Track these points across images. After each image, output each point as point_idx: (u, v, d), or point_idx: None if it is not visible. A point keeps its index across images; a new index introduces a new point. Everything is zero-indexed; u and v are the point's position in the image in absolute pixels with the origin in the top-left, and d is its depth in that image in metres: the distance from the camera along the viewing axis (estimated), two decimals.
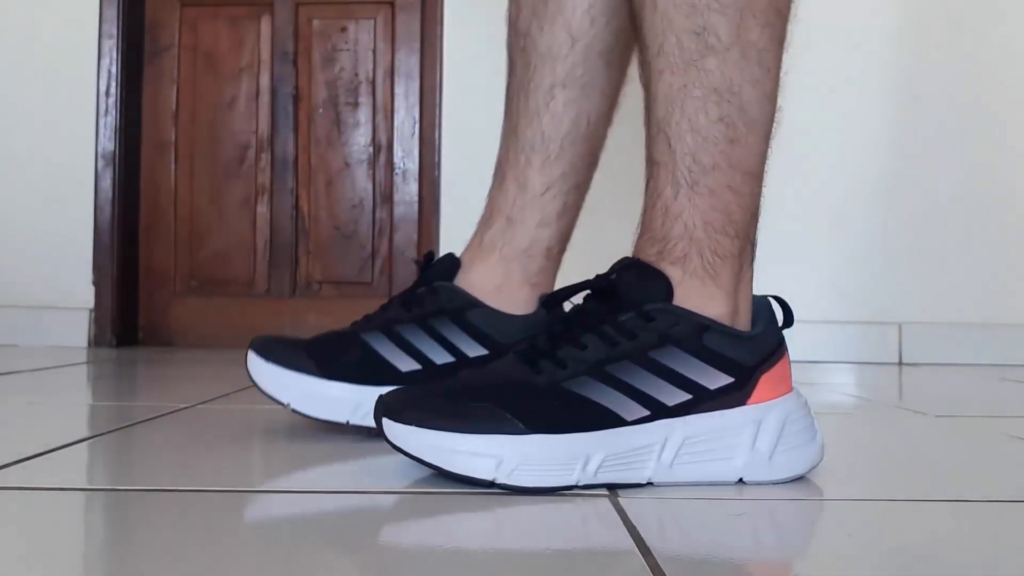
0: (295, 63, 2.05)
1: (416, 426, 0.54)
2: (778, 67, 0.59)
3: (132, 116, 2.00)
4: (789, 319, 0.61)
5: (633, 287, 0.57)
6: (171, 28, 2.05)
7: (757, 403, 0.58)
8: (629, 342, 0.56)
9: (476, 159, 1.92)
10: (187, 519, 0.48)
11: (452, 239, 1.92)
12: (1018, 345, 1.85)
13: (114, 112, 1.94)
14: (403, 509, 0.53)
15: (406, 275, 2.00)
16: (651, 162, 0.60)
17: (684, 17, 0.57)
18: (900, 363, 1.84)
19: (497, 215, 0.74)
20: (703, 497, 0.54)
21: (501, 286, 0.72)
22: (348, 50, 2.05)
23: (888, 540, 0.47)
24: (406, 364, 0.70)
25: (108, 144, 1.94)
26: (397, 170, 2.04)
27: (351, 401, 0.69)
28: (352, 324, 0.74)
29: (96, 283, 1.91)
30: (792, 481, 0.58)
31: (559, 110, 0.72)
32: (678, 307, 0.57)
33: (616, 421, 0.55)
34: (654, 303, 0.57)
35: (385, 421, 0.55)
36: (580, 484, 0.54)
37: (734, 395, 0.57)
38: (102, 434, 0.75)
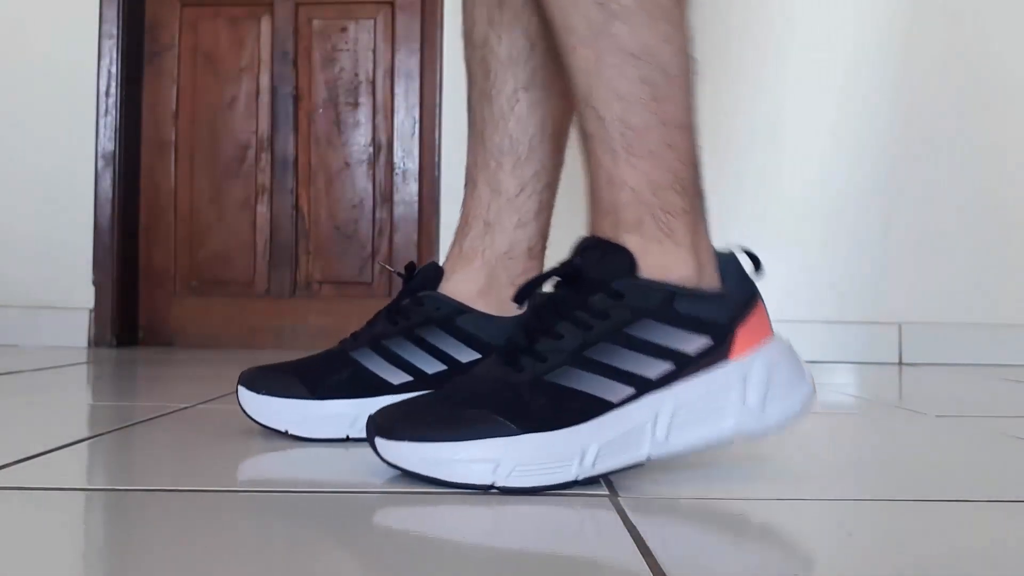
0: (295, 63, 2.05)
1: (409, 440, 0.54)
2: (684, 22, 0.59)
3: (132, 116, 2.01)
4: (757, 266, 0.60)
5: (597, 267, 0.57)
6: (171, 28, 2.05)
7: (740, 357, 0.58)
8: (603, 323, 0.56)
9: None
10: (187, 519, 0.48)
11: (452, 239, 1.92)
12: (1018, 345, 1.85)
13: (114, 112, 1.94)
14: (403, 509, 0.53)
15: None
16: (585, 136, 0.60)
17: None
18: (900, 363, 1.84)
19: (474, 221, 0.74)
20: (703, 497, 0.54)
21: (486, 290, 0.72)
22: (348, 50, 2.05)
23: (888, 540, 0.47)
24: (398, 377, 0.69)
25: (108, 144, 1.94)
26: (397, 170, 2.04)
27: (348, 416, 0.69)
28: (340, 343, 0.73)
29: (96, 283, 1.91)
30: (787, 421, 0.58)
31: (524, 113, 0.72)
32: (644, 279, 0.57)
33: (604, 406, 0.55)
34: (620, 279, 0.56)
35: (378, 440, 0.55)
36: (580, 478, 0.54)
37: (715, 354, 0.57)
38: (102, 434, 0.75)
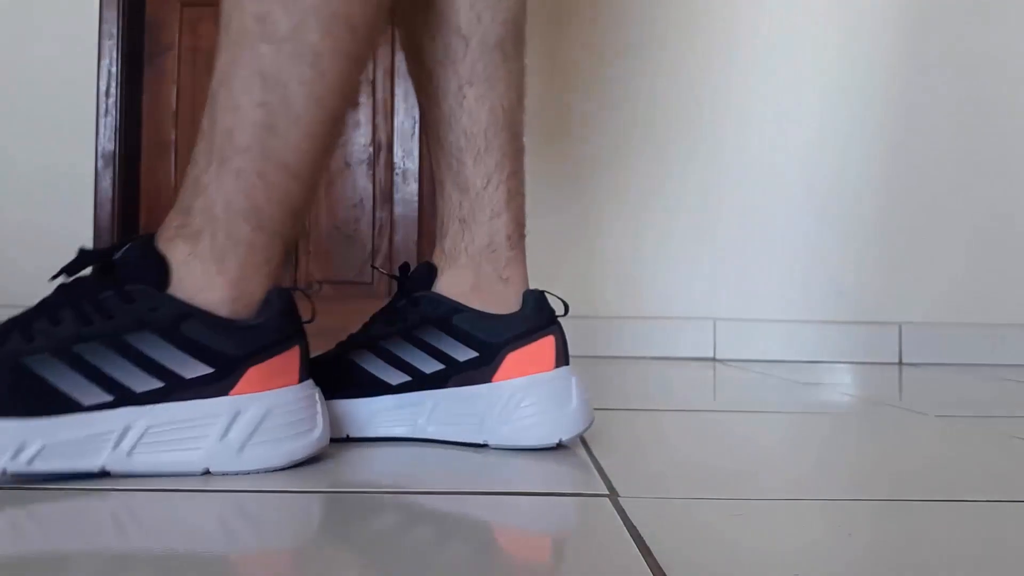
0: None
1: None
2: (340, 79, 0.60)
3: (132, 116, 2.01)
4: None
5: (129, 264, 0.56)
6: (171, 28, 2.05)
7: (240, 394, 0.57)
8: (104, 322, 0.55)
9: None
10: (187, 519, 0.48)
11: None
12: (1018, 345, 1.86)
13: (114, 112, 1.94)
14: (399, 510, 0.53)
15: None
16: (200, 135, 0.60)
17: (253, 1, 0.58)
18: (900, 363, 1.84)
19: (449, 222, 0.75)
20: (703, 497, 0.54)
21: (477, 286, 0.72)
22: None
23: (888, 540, 0.47)
24: (396, 377, 0.70)
25: (108, 144, 1.94)
26: (397, 170, 2.04)
27: (347, 416, 0.69)
28: (337, 345, 0.73)
29: None
30: (269, 471, 0.58)
31: (473, 106, 0.72)
32: (162, 293, 0.56)
33: (69, 406, 0.53)
34: (135, 284, 0.56)
35: None
36: (8, 472, 0.52)
37: (213, 385, 0.56)
38: None
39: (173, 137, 2.05)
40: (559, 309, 0.72)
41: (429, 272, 0.73)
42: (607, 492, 0.54)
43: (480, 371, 0.69)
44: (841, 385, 1.35)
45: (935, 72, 1.90)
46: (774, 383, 1.35)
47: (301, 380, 0.60)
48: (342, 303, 2.04)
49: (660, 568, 0.39)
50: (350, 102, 0.62)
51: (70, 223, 1.90)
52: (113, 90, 1.95)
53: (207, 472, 0.57)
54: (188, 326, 0.56)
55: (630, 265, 1.89)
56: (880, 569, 0.42)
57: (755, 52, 1.91)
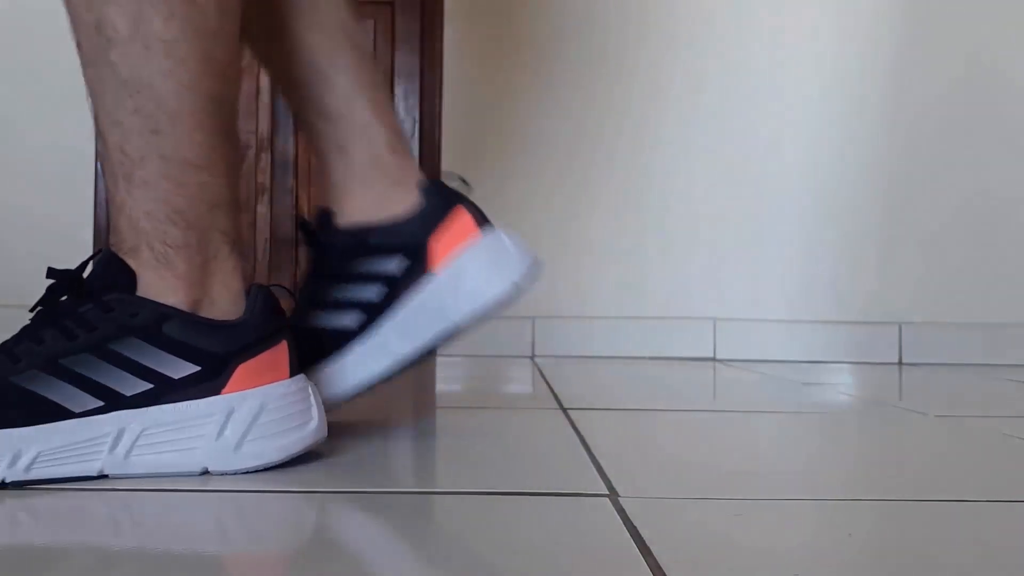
0: None
1: None
2: (203, 59, 0.58)
3: None
4: (266, 311, 0.60)
5: (98, 277, 0.57)
6: None
7: (232, 393, 0.57)
8: (88, 334, 0.55)
9: (476, 159, 1.92)
10: (187, 519, 0.48)
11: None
12: (1018, 345, 1.86)
13: None
14: (398, 510, 0.53)
15: None
16: (98, 156, 0.60)
17: (85, 11, 0.57)
18: (900, 363, 1.84)
19: (330, 157, 0.73)
20: (703, 497, 0.54)
21: (382, 196, 0.71)
22: None
23: (888, 540, 0.47)
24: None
25: None
26: None
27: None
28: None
29: None
30: (266, 469, 0.58)
31: (312, 39, 0.71)
32: (138, 296, 0.56)
33: (61, 414, 0.54)
34: (113, 293, 0.56)
35: None
36: (7, 481, 0.53)
37: (204, 385, 0.57)
38: None
39: None
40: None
41: (329, 217, 0.71)
42: (607, 492, 0.54)
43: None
44: (841, 385, 1.36)
45: (936, 71, 1.90)
46: (774, 383, 1.35)
47: (292, 374, 0.60)
48: None
49: (660, 568, 0.39)
50: (230, 79, 0.60)
51: (70, 222, 1.90)
52: None
53: (206, 472, 0.57)
54: (170, 327, 0.56)
55: (630, 265, 1.89)
56: (880, 569, 0.42)
57: (754, 51, 1.91)
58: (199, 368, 0.57)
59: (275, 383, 0.59)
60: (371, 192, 0.72)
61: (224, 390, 0.57)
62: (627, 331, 1.87)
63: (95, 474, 0.55)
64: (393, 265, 0.68)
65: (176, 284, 0.58)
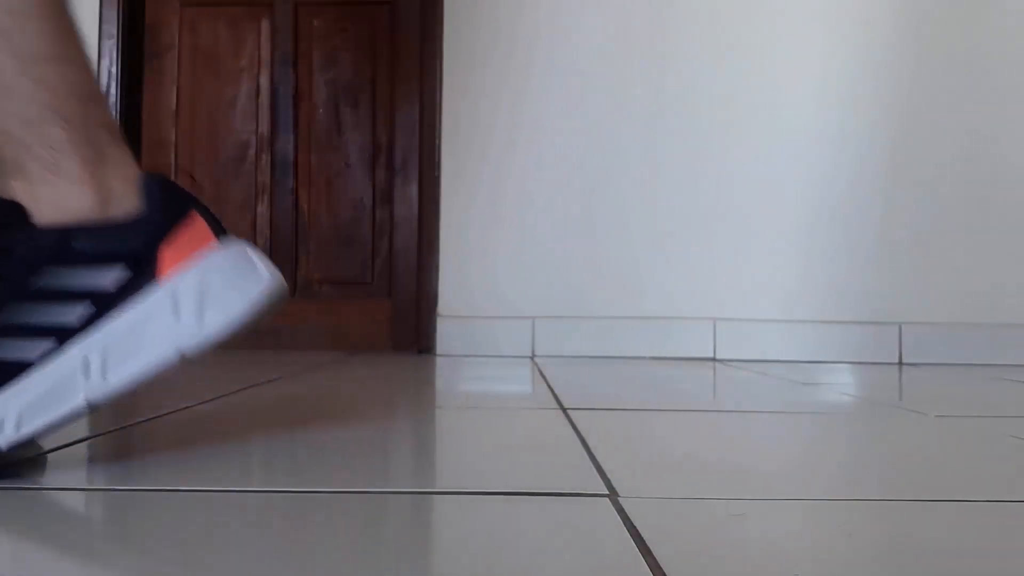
0: (295, 63, 2.05)
1: None
2: None
3: (132, 116, 2.01)
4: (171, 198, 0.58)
5: None
6: (171, 28, 2.05)
7: (169, 276, 0.56)
8: (3, 284, 0.54)
9: (476, 159, 1.92)
10: (187, 519, 0.48)
11: (452, 239, 1.92)
12: (1018, 345, 1.86)
13: (114, 112, 1.94)
14: (398, 510, 0.53)
15: (407, 275, 2.00)
16: None
17: None
18: (900, 363, 1.84)
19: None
20: (703, 497, 0.54)
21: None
22: (348, 50, 2.05)
23: (888, 540, 0.47)
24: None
25: None
26: (397, 170, 2.04)
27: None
28: None
29: None
30: (234, 324, 0.57)
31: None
32: (32, 225, 0.55)
33: (21, 368, 0.53)
34: (6, 235, 0.55)
35: None
36: (5, 447, 0.52)
37: (138, 281, 0.56)
38: (102, 434, 0.75)
39: (173, 136, 2.05)
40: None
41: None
42: (607, 492, 0.54)
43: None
44: (841, 385, 1.35)
45: (936, 70, 1.90)
46: (774, 383, 1.35)
47: (217, 235, 0.59)
48: (342, 303, 2.04)
49: (660, 568, 0.39)
50: None
51: None
52: (113, 90, 1.95)
53: (183, 356, 0.56)
54: (79, 242, 0.55)
55: (630, 265, 1.89)
56: (880, 569, 0.42)
57: (753, 50, 1.91)
58: (126, 269, 0.56)
59: (203, 249, 0.58)
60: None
61: (159, 277, 0.56)
62: (627, 331, 1.88)
63: (84, 407, 0.54)
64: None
65: (75, 191, 0.56)
